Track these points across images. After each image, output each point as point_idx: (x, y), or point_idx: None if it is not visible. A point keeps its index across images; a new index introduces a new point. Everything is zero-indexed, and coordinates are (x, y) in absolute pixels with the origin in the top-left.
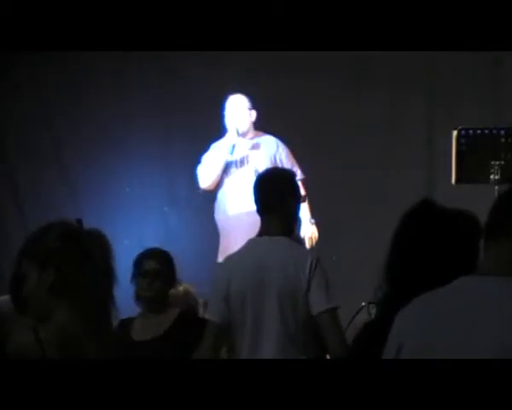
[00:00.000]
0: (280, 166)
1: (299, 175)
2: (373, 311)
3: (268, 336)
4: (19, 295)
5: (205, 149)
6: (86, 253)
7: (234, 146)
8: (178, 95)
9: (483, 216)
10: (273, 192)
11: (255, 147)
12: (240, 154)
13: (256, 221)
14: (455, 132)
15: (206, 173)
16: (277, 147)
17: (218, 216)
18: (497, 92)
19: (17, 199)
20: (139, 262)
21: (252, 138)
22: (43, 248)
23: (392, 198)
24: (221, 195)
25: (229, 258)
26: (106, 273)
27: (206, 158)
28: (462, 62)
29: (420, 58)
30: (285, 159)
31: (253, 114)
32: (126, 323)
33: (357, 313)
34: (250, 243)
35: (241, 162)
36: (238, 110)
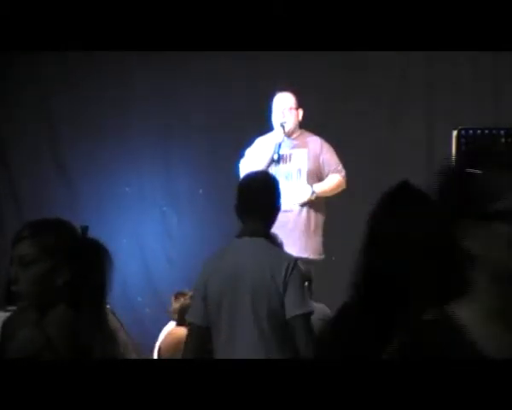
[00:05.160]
0: (324, 166)
1: (343, 173)
2: None
3: (241, 337)
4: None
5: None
6: (91, 258)
7: (280, 145)
8: (178, 94)
9: None
10: (255, 194)
11: (299, 146)
12: (284, 152)
13: (287, 220)
14: (455, 132)
15: (249, 169)
16: (322, 147)
17: None
18: (497, 92)
19: (17, 199)
20: None
21: (297, 137)
22: (57, 243)
23: None
24: None
25: (209, 259)
26: (103, 278)
27: (250, 153)
28: (462, 62)
29: (420, 58)
30: (329, 159)
31: (300, 112)
32: None
33: None
34: (229, 245)
35: (284, 161)
36: (284, 108)
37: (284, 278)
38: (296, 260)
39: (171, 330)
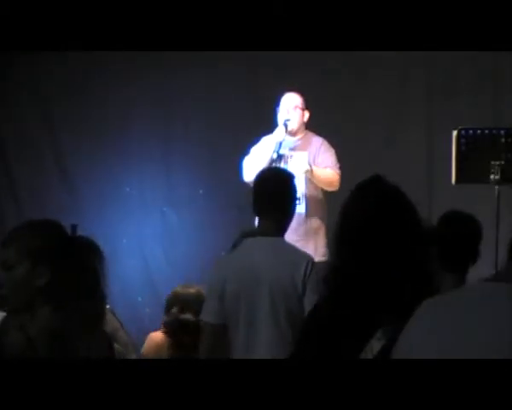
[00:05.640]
0: (320, 165)
1: (339, 172)
2: None
3: (260, 336)
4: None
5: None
6: (77, 256)
7: (280, 144)
8: (178, 95)
9: (482, 216)
10: (271, 194)
11: (301, 148)
12: (285, 152)
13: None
14: (455, 132)
15: (250, 167)
16: (321, 146)
17: None
18: (497, 92)
19: (17, 199)
20: None
21: (301, 138)
22: (37, 245)
23: None
24: None
25: (225, 258)
26: (94, 277)
27: (254, 151)
28: (462, 62)
29: (421, 58)
30: (328, 158)
31: (306, 114)
32: None
33: None
34: (246, 244)
35: (285, 161)
36: (290, 108)
37: (303, 277)
38: (313, 260)
39: (151, 335)
